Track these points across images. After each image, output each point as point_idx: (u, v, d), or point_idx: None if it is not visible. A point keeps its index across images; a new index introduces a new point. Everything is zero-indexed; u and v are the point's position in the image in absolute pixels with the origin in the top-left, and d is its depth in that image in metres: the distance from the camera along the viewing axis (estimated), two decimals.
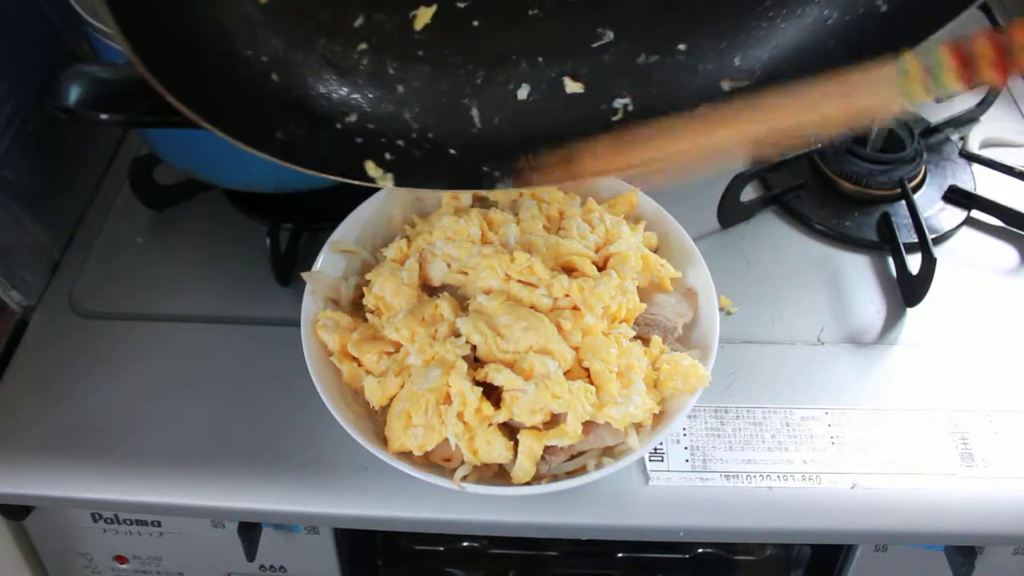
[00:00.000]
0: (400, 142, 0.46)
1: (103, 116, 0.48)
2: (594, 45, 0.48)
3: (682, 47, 0.48)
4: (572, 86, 0.49)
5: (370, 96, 0.47)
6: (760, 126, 0.42)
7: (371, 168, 0.45)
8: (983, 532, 0.54)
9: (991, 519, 0.53)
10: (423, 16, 0.46)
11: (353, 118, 0.45)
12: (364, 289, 0.57)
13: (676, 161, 0.44)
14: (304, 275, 0.57)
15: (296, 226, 0.68)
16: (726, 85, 0.47)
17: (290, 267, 0.65)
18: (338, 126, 0.45)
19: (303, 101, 0.44)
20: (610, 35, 0.48)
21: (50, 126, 0.67)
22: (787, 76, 0.44)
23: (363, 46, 0.46)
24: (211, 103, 0.39)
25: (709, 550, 0.69)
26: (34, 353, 0.62)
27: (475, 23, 0.47)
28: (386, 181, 0.45)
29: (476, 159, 0.48)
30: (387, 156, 0.45)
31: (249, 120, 0.41)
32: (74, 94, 0.47)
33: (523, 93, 0.49)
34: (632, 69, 0.49)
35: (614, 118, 0.49)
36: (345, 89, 0.46)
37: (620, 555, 0.70)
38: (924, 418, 0.58)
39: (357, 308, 0.58)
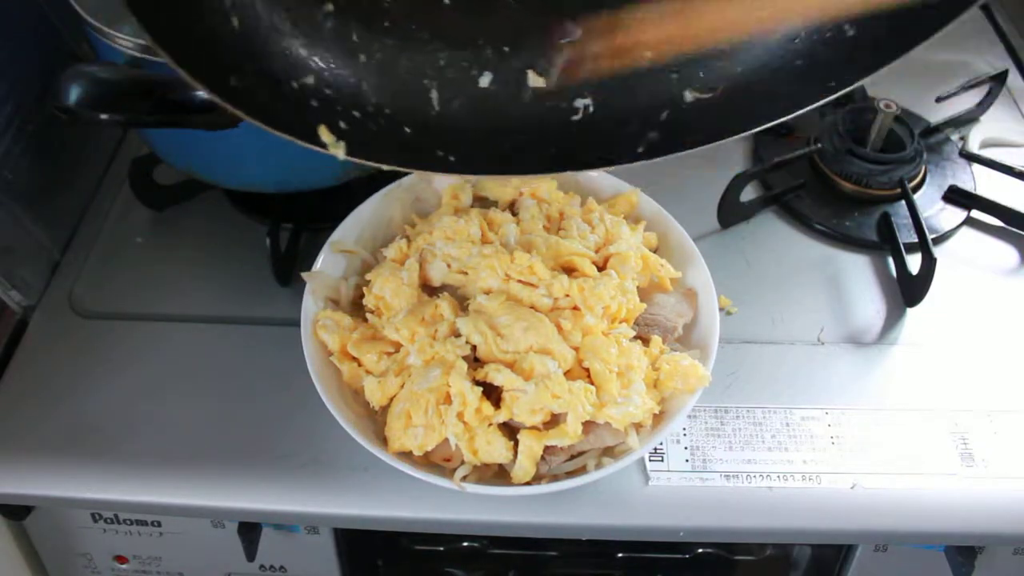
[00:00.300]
0: (356, 113, 0.45)
1: (103, 116, 0.48)
2: (562, 41, 0.48)
3: (648, 54, 0.48)
4: (535, 80, 0.48)
5: (330, 61, 0.46)
6: None
7: (324, 133, 0.44)
8: (983, 532, 0.54)
9: (991, 519, 0.53)
10: None
11: (310, 80, 0.45)
12: (364, 289, 0.57)
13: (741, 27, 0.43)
14: (304, 275, 0.57)
15: (296, 226, 0.68)
16: (688, 95, 0.47)
17: (290, 267, 0.65)
18: (294, 85, 0.44)
19: (261, 54, 0.43)
20: (578, 33, 0.48)
21: (50, 126, 0.67)
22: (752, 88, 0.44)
23: (329, 7, 0.45)
24: (169, 33, 0.38)
25: (709, 550, 0.69)
26: (34, 353, 0.62)
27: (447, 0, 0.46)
28: (338, 149, 0.44)
29: (431, 142, 0.47)
30: (341, 125, 0.45)
31: (205, 57, 0.40)
32: (74, 94, 0.47)
33: (485, 81, 0.48)
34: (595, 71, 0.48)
35: (574, 117, 0.48)
36: (305, 50, 0.45)
37: (620, 555, 0.70)
38: (924, 418, 0.58)
39: (357, 308, 0.58)
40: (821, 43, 0.44)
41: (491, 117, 0.48)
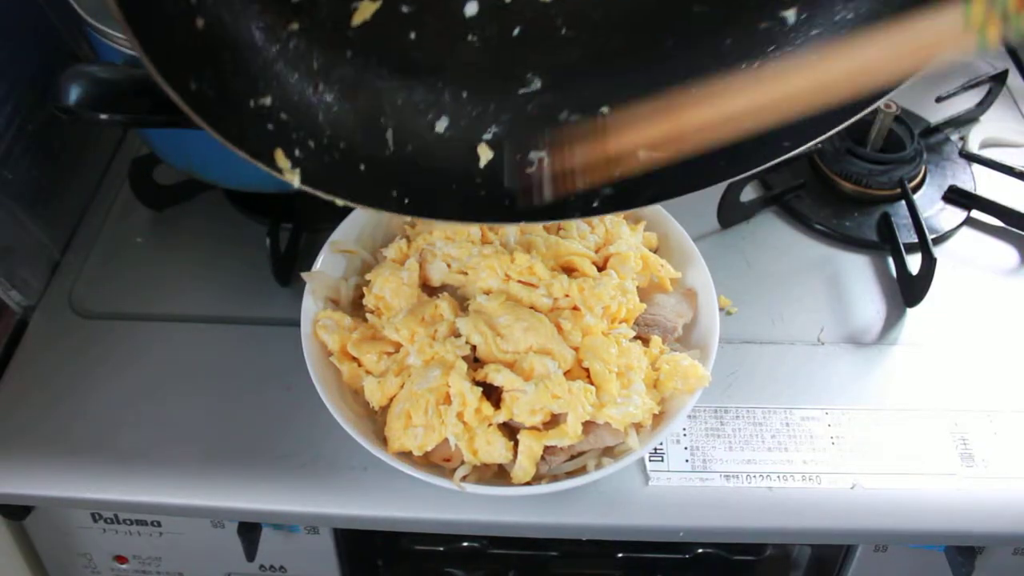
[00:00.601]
0: (311, 143, 0.45)
1: (103, 116, 0.48)
2: (520, 91, 0.48)
3: (604, 110, 0.48)
4: (485, 148, 0.49)
5: (289, 83, 0.46)
6: (813, 85, 0.41)
7: (280, 158, 0.44)
8: (983, 532, 0.54)
9: (991, 519, 0.53)
10: (363, 11, 0.45)
11: (267, 101, 0.44)
12: (364, 289, 0.57)
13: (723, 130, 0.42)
14: (304, 275, 0.57)
15: (296, 226, 0.68)
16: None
17: (290, 267, 0.65)
18: (251, 103, 0.44)
19: (221, 63, 0.43)
20: (537, 83, 0.48)
21: (50, 126, 0.67)
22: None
23: (295, 26, 0.45)
24: (137, 11, 0.38)
25: (709, 550, 0.69)
26: (34, 353, 0.62)
27: (412, 35, 0.46)
28: (293, 177, 0.44)
29: (385, 181, 0.47)
30: (296, 153, 0.45)
31: (167, 49, 0.39)
32: (74, 94, 0.47)
33: (441, 126, 0.48)
34: (551, 124, 0.48)
35: (528, 170, 0.48)
36: (265, 69, 0.45)
37: (620, 555, 0.70)
38: (924, 418, 0.58)
39: (357, 308, 0.58)
40: None
41: (445, 163, 0.48)
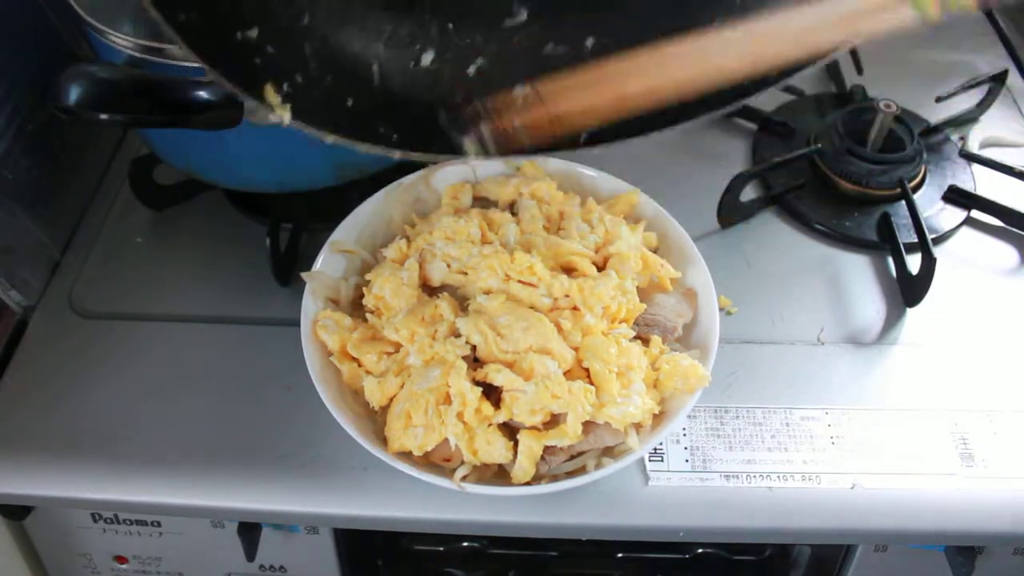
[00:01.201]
0: (298, 77, 0.45)
1: (103, 116, 0.48)
2: (506, 23, 0.48)
3: (590, 43, 0.48)
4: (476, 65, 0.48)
5: (275, 15, 0.46)
6: (753, 53, 0.42)
7: (270, 93, 0.44)
8: (983, 532, 0.54)
9: (991, 519, 0.53)
10: None
11: (253, 34, 0.44)
12: (364, 289, 0.57)
13: (662, 96, 0.43)
14: (304, 275, 0.57)
15: (296, 226, 0.68)
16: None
17: (290, 267, 0.65)
18: (237, 36, 0.44)
19: None
20: (523, 15, 0.48)
21: (50, 126, 0.67)
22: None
23: None
24: None
25: (709, 550, 0.69)
26: (34, 353, 0.62)
27: None
28: (284, 112, 0.44)
29: (372, 117, 0.47)
30: (285, 87, 0.45)
31: None
32: (74, 94, 0.47)
33: (427, 59, 0.48)
34: (536, 58, 0.48)
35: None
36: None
37: (620, 555, 0.70)
38: (924, 418, 0.58)
39: (357, 308, 0.58)
40: None
41: (431, 97, 0.48)
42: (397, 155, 0.46)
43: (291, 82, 0.45)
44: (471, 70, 0.48)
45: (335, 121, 0.45)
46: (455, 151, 0.48)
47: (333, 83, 0.47)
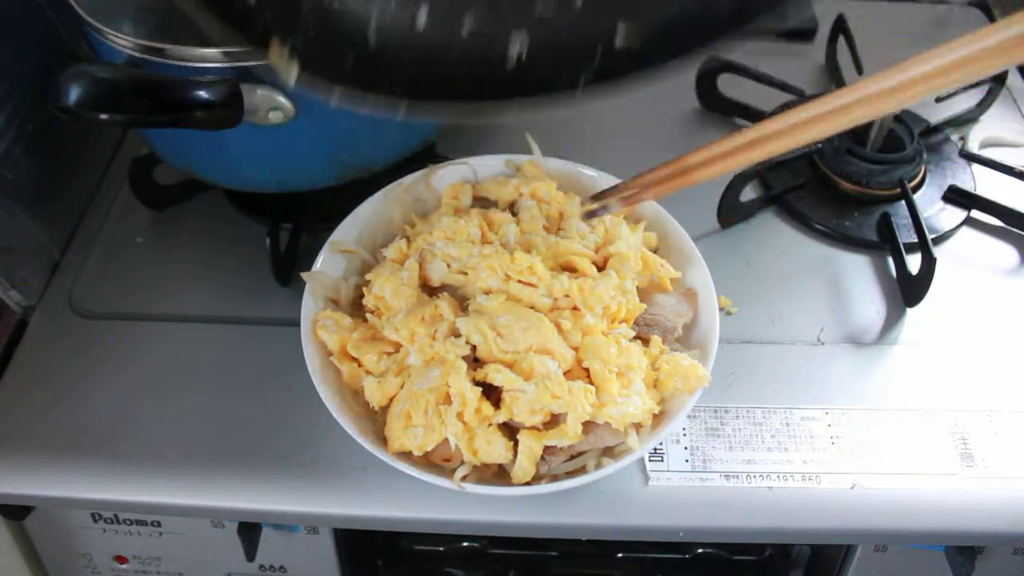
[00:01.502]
0: (300, 35, 0.46)
1: (103, 116, 0.48)
2: None
3: (579, 2, 0.48)
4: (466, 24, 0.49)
5: None
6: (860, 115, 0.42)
7: (275, 48, 0.45)
8: (983, 532, 0.54)
9: (991, 519, 0.53)
10: None
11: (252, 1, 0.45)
12: (364, 289, 0.57)
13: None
14: (304, 275, 0.57)
15: (296, 226, 0.68)
16: (619, 42, 0.47)
17: (290, 267, 0.65)
18: (237, 5, 0.45)
19: None
20: None
21: (50, 126, 0.67)
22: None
23: None
24: None
25: (709, 550, 0.69)
26: (34, 353, 0.62)
27: None
28: (291, 68, 0.45)
29: (375, 71, 0.47)
30: (290, 43, 0.45)
31: None
32: (74, 94, 0.47)
33: (423, 16, 0.48)
34: (528, 11, 0.48)
35: (506, 66, 0.48)
36: None
37: (620, 555, 0.70)
38: (924, 418, 0.58)
39: (357, 308, 0.58)
40: None
41: (429, 52, 0.48)
42: (403, 109, 0.46)
43: (293, 39, 0.45)
44: (468, 19, 0.49)
45: (339, 77, 0.46)
46: (460, 96, 0.49)
47: (332, 44, 0.47)
